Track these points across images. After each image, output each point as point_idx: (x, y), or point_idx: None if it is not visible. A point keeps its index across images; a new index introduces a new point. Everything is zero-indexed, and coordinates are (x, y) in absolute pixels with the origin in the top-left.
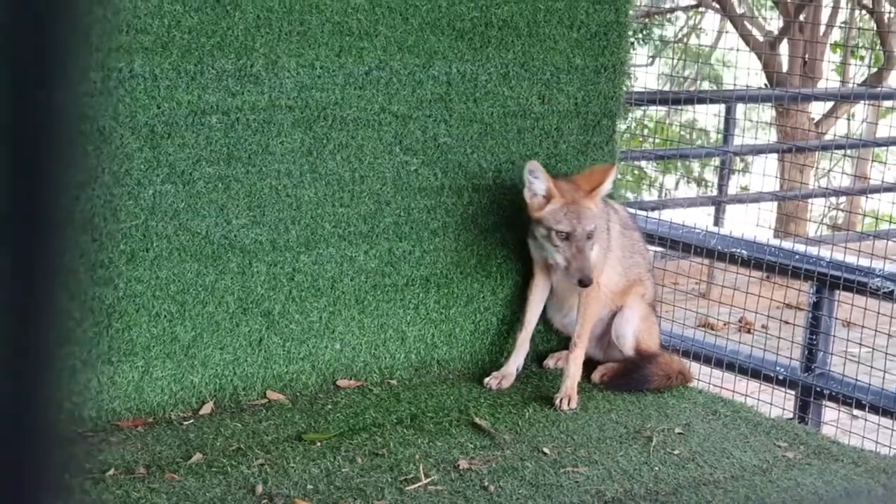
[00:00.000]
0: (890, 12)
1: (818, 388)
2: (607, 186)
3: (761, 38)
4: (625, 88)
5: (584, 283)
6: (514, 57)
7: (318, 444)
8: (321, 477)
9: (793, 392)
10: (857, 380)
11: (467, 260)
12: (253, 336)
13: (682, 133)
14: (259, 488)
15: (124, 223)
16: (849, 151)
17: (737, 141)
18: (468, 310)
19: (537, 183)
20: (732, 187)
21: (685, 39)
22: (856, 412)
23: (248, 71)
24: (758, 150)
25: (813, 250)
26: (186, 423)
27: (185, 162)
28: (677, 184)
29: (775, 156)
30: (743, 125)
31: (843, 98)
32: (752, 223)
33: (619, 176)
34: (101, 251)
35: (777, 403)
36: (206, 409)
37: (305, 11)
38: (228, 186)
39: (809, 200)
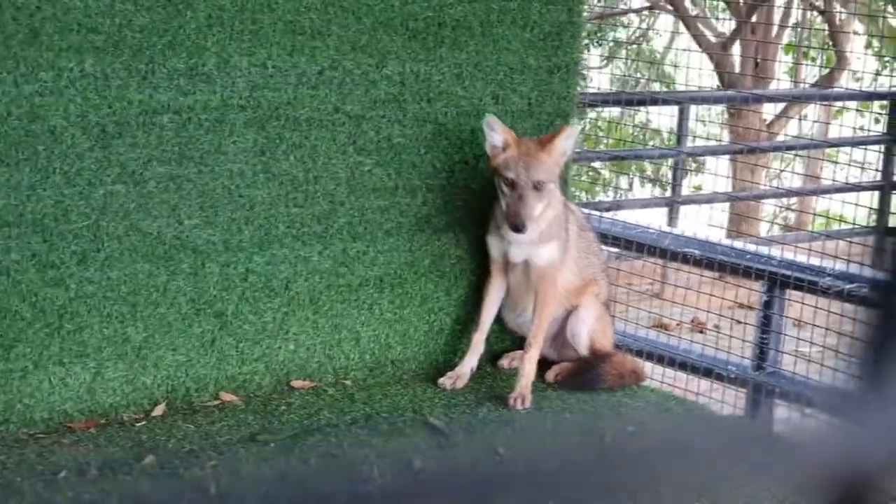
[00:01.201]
0: (841, 13)
1: (769, 387)
2: (564, 142)
3: (714, 40)
4: (579, 89)
5: (517, 228)
6: (467, 57)
7: (272, 444)
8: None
9: (744, 390)
10: (807, 378)
11: (421, 260)
12: (206, 337)
13: (636, 133)
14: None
15: (75, 223)
16: (800, 152)
17: (690, 142)
18: (422, 310)
19: (494, 136)
20: (686, 188)
21: (639, 41)
22: (807, 410)
23: (199, 70)
24: (711, 151)
25: (764, 250)
26: (139, 424)
27: (137, 162)
28: (631, 184)
29: (728, 156)
30: (695, 126)
31: (795, 99)
32: (705, 223)
33: (574, 176)
34: (51, 252)
35: (729, 402)
36: (159, 410)
37: (257, 10)
38: (180, 186)
39: (762, 201)
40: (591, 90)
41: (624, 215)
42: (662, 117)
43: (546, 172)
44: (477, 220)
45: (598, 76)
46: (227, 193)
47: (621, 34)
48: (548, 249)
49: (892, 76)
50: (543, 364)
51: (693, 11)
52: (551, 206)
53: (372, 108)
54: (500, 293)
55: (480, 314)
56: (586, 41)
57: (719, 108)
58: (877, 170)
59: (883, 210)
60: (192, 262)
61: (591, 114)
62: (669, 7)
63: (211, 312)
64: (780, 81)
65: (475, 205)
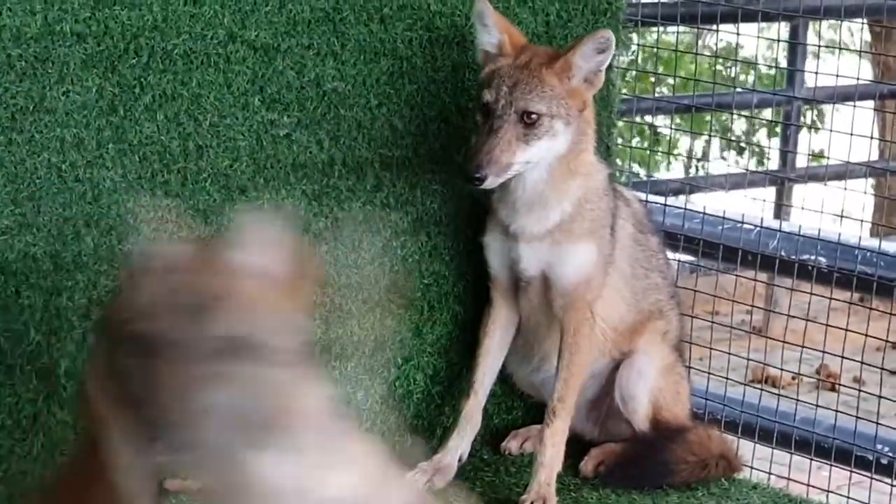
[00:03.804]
0: None
1: None
2: (585, 57)
3: None
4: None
5: (471, 175)
6: None
7: None
8: None
9: None
10: None
11: (374, 280)
12: (24, 411)
13: (719, 69)
14: None
15: None
16: None
17: (808, 81)
18: (377, 361)
19: (484, 34)
20: (802, 156)
21: None
22: None
23: None
24: (842, 96)
25: None
26: None
27: None
28: (703, 151)
29: (870, 103)
30: (818, 54)
31: None
32: (834, 213)
33: (620, 141)
34: None
35: (881, 502)
36: None
37: None
38: None
39: None
40: (645, 0)
41: (702, 202)
42: (762, 42)
43: (547, 101)
44: (465, 212)
45: None
46: (55, 176)
47: None
48: (578, 254)
49: None
50: (576, 446)
51: None
52: (571, 170)
53: (289, 33)
54: (505, 332)
55: (475, 368)
56: None
57: (856, 23)
58: None
59: None
60: None
61: (648, 37)
62: None
63: (31, 371)
64: None
65: (461, 189)
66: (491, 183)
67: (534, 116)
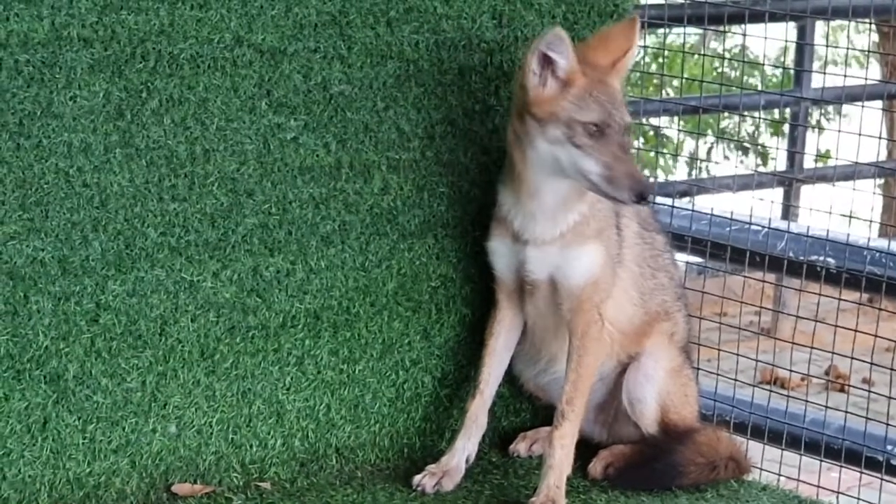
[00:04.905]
0: None
1: None
2: (633, 56)
3: None
4: (633, 0)
5: (644, 196)
6: None
7: None
8: None
9: None
10: None
11: (382, 283)
12: (33, 416)
13: (726, 70)
14: None
15: None
16: None
17: (815, 81)
18: (385, 364)
19: (560, 61)
20: (810, 156)
21: None
22: None
23: None
24: (850, 95)
25: None
26: None
27: None
28: (709, 152)
29: (878, 104)
30: (824, 55)
31: None
32: (842, 213)
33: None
34: None
35: (891, 503)
36: None
37: None
38: None
39: None
40: (653, 1)
41: (709, 203)
42: (770, 42)
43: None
44: (471, 215)
45: None
46: (63, 181)
47: None
48: (587, 256)
49: None
50: (585, 448)
51: None
52: None
53: (296, 36)
54: (511, 335)
55: (480, 370)
56: None
57: (863, 23)
58: None
59: None
60: (8, 295)
61: (653, 38)
62: None
63: (40, 376)
64: None
65: (468, 192)
66: (650, 193)
67: (630, 126)
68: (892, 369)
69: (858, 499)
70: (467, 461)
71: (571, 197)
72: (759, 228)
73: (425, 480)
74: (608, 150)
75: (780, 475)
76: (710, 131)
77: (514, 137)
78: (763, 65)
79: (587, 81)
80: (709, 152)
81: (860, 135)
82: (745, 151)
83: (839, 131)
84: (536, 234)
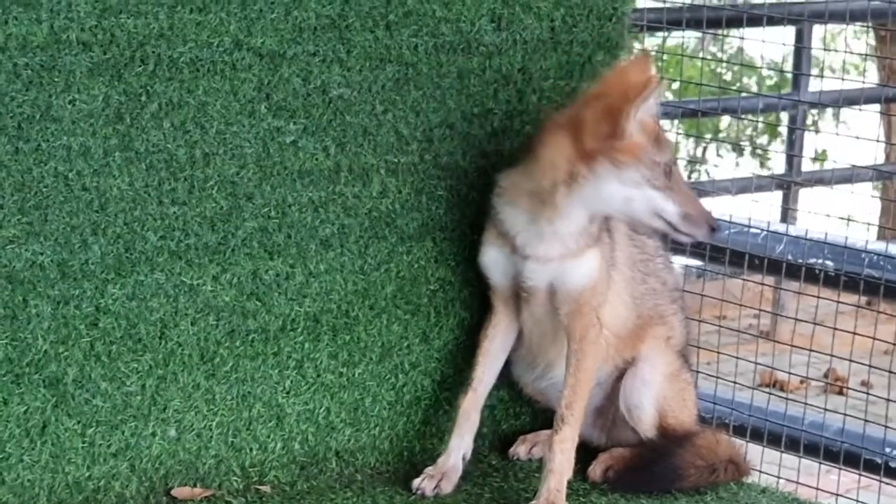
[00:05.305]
0: None
1: None
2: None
3: None
4: (632, 4)
5: (717, 229)
6: None
7: None
8: None
9: None
10: None
11: (381, 287)
12: (32, 420)
13: (725, 72)
14: None
15: None
16: None
17: (814, 85)
18: (384, 368)
19: (655, 107)
20: (808, 159)
21: None
22: None
23: None
24: (848, 99)
25: None
26: None
27: None
28: (703, 152)
29: (877, 106)
30: (822, 59)
31: None
32: (841, 216)
33: None
34: None
35: None
36: None
37: None
38: None
39: None
40: (651, 5)
41: (708, 206)
42: (768, 46)
43: None
44: (470, 219)
45: None
46: (62, 185)
47: None
48: (587, 262)
49: None
50: (585, 452)
51: None
52: None
53: (296, 40)
54: (505, 339)
55: (474, 368)
56: None
57: (860, 27)
58: None
59: None
60: (7, 299)
61: (652, 40)
62: None
63: (39, 380)
64: None
65: (467, 195)
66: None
67: None
68: (890, 372)
69: (857, 501)
70: (464, 459)
71: (588, 224)
72: (758, 231)
73: (424, 484)
74: (679, 190)
75: (779, 477)
76: (708, 136)
77: (568, 176)
78: (760, 68)
79: (652, 122)
80: (704, 151)
81: (858, 138)
82: (741, 151)
83: (837, 134)
84: (541, 253)
